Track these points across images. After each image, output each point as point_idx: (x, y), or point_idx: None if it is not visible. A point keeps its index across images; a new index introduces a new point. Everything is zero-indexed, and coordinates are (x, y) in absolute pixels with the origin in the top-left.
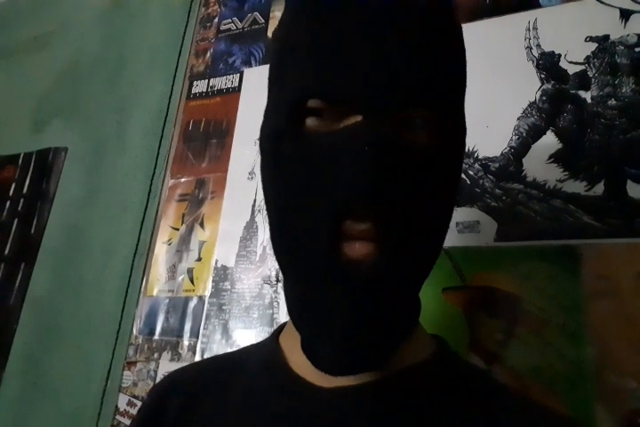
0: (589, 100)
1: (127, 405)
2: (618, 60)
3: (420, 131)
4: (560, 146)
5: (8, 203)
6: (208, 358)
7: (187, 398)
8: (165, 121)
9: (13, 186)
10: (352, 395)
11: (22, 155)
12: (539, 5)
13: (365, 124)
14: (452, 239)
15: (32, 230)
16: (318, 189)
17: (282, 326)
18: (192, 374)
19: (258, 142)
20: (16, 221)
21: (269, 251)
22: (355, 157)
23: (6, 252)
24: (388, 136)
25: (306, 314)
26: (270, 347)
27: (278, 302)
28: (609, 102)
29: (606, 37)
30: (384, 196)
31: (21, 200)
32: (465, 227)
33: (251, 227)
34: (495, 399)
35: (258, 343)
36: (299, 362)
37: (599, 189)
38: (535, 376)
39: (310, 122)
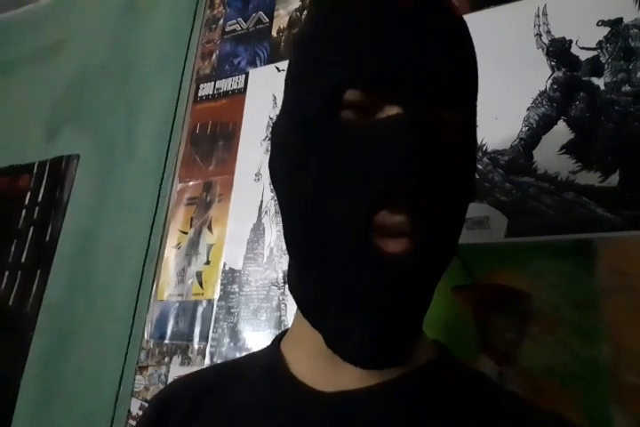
0: (602, 87)
1: (140, 409)
2: (632, 44)
3: (446, 128)
4: (572, 136)
5: (24, 211)
6: (209, 366)
7: (189, 406)
8: (173, 125)
9: (29, 195)
10: (354, 399)
11: (37, 163)
12: None
13: (407, 116)
14: (461, 236)
15: (47, 238)
16: (355, 177)
17: (282, 334)
18: (193, 381)
19: (265, 142)
20: (32, 228)
21: (276, 253)
22: (396, 147)
23: (23, 259)
24: (427, 129)
25: (334, 306)
26: (272, 353)
27: (286, 305)
28: (623, 88)
29: (619, 21)
30: (422, 186)
31: (36, 208)
32: (474, 223)
33: (257, 229)
34: (498, 405)
35: (259, 351)
36: (300, 368)
37: (614, 179)
38: (548, 376)
39: (345, 113)
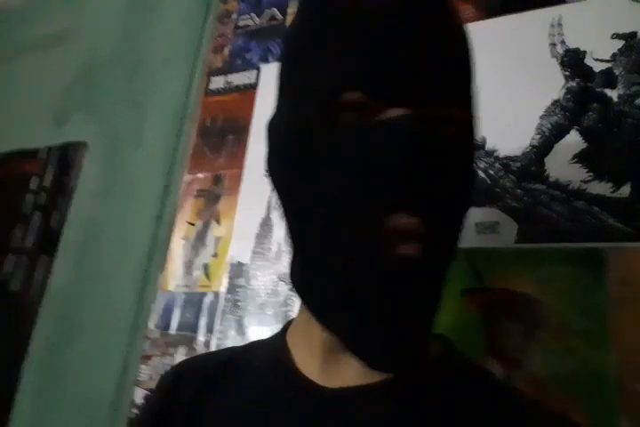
0: (615, 99)
1: (143, 399)
2: None
3: (445, 124)
4: (584, 145)
5: (31, 196)
6: (218, 351)
7: (198, 388)
8: (183, 117)
9: (36, 179)
10: (357, 396)
11: (44, 149)
12: (563, 1)
13: (413, 118)
14: (471, 240)
15: (53, 223)
16: (363, 182)
17: (288, 324)
18: (203, 364)
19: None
20: (38, 213)
21: (285, 248)
22: (404, 148)
23: (28, 244)
24: (433, 130)
25: (349, 310)
26: (278, 345)
27: (293, 300)
28: (636, 101)
29: (634, 34)
30: (431, 186)
31: (43, 193)
32: (485, 228)
33: (266, 224)
34: (502, 402)
35: (266, 339)
36: (305, 362)
37: (625, 190)
38: (555, 383)
39: (346, 115)
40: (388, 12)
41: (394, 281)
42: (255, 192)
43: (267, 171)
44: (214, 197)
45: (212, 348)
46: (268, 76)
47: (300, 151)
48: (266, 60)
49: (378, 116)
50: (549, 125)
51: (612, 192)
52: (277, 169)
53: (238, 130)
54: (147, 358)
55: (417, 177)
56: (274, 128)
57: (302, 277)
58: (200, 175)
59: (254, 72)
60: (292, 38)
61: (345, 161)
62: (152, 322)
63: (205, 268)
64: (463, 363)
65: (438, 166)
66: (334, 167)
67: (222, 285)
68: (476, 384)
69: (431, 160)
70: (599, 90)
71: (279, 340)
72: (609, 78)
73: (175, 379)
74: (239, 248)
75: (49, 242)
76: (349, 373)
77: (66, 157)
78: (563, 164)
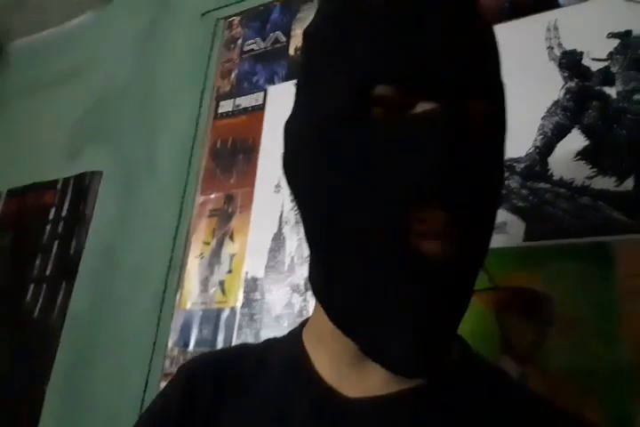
0: (614, 96)
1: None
2: None
3: (473, 121)
4: (586, 143)
5: (49, 226)
6: (233, 348)
7: (217, 385)
8: (194, 141)
9: (53, 210)
10: (382, 406)
11: (61, 180)
12: (558, 5)
13: (444, 112)
14: None
15: (71, 251)
16: (392, 174)
17: (303, 324)
18: (220, 361)
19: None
20: (56, 242)
21: (297, 261)
22: (437, 142)
23: (48, 272)
24: (463, 125)
25: (373, 312)
26: (295, 348)
27: (307, 311)
28: (634, 97)
29: (628, 33)
30: (460, 183)
31: (61, 223)
32: None
33: (278, 238)
34: (520, 404)
35: (281, 338)
36: (324, 368)
37: (629, 184)
38: (569, 378)
39: (376, 109)
40: (417, 7)
41: (420, 280)
42: (267, 209)
43: (283, 171)
44: (227, 216)
45: None
46: (275, 97)
47: (324, 146)
48: (272, 82)
49: (407, 111)
50: (551, 126)
51: (616, 186)
52: (296, 167)
53: (248, 150)
54: (167, 375)
55: (450, 171)
56: (291, 128)
57: (321, 278)
58: (212, 196)
59: (261, 94)
60: (315, 36)
61: (374, 154)
62: (171, 340)
63: (221, 284)
64: (481, 365)
65: (470, 161)
66: (362, 161)
67: (238, 300)
68: (495, 388)
69: (463, 155)
70: (598, 88)
71: (295, 343)
72: (607, 76)
73: (193, 374)
74: (253, 264)
75: (68, 270)
76: (371, 382)
77: (82, 187)
78: (566, 162)
